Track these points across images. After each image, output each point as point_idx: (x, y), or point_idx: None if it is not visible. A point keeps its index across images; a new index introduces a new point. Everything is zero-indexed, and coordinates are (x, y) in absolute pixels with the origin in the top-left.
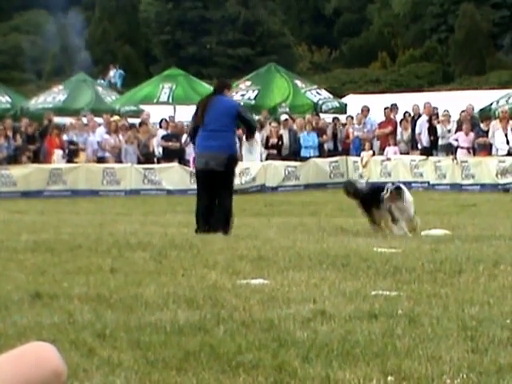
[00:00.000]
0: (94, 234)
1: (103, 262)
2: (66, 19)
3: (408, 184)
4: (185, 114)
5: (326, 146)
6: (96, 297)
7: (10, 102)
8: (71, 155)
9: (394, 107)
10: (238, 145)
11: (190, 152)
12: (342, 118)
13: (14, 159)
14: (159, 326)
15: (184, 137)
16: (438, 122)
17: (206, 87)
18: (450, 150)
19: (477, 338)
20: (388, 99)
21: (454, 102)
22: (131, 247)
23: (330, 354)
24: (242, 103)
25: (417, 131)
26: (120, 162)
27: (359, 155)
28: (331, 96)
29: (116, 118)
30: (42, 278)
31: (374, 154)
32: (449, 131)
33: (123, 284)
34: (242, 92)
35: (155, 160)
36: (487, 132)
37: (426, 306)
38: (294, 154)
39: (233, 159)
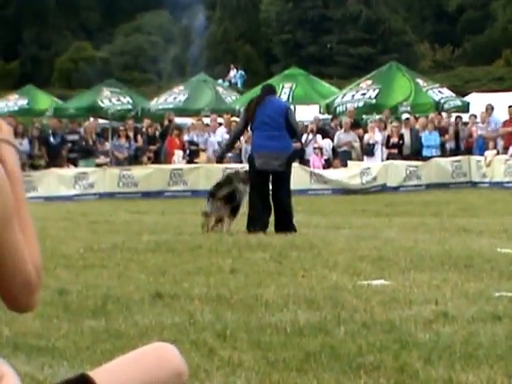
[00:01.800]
0: (214, 235)
1: (223, 262)
2: (188, 19)
3: None
4: (305, 113)
5: (448, 146)
6: (216, 297)
7: (131, 103)
8: (192, 156)
9: None
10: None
11: (311, 152)
12: (465, 116)
13: (134, 160)
14: (279, 326)
15: (305, 136)
16: None
17: (327, 87)
18: None
19: None
20: None
21: None
22: (251, 248)
23: (452, 356)
24: (362, 102)
25: None
26: (240, 162)
27: (482, 154)
28: (453, 95)
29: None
30: (162, 278)
31: (497, 153)
32: None
33: (243, 285)
34: (363, 91)
35: None
36: None
37: None
38: (416, 153)
39: (291, 159)
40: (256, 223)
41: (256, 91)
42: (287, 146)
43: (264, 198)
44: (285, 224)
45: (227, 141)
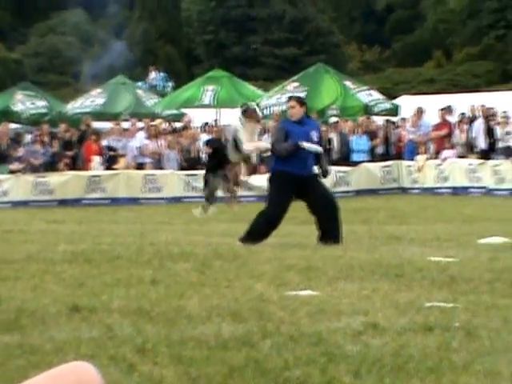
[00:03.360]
0: (134, 244)
1: (144, 273)
2: (105, 19)
3: (465, 189)
4: (229, 117)
5: (377, 150)
6: (136, 310)
7: (46, 107)
8: (110, 162)
9: (449, 109)
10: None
11: None
12: (395, 120)
13: (51, 166)
14: (202, 340)
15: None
16: (496, 124)
17: (251, 89)
18: (510, 153)
19: None
20: (443, 100)
21: None
22: (173, 258)
23: (382, 369)
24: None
25: (473, 133)
26: (161, 168)
27: (413, 159)
28: (383, 97)
29: (159, 121)
30: (80, 290)
31: (428, 158)
32: (507, 133)
33: (165, 296)
34: (289, 94)
35: (200, 166)
36: None
37: (484, 318)
38: (345, 158)
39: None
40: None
41: (177, 94)
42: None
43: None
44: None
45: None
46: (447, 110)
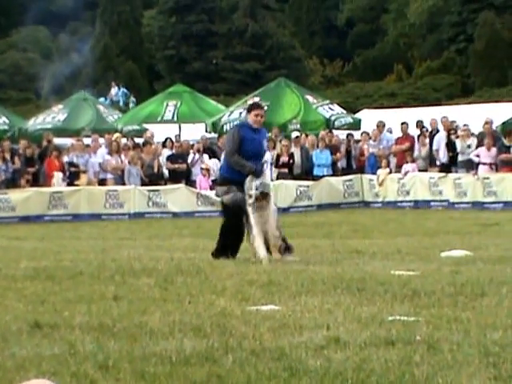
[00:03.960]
0: (96, 260)
1: (106, 289)
2: (66, 35)
3: (427, 202)
4: (190, 132)
5: (339, 164)
6: (98, 326)
7: (7, 123)
8: (72, 178)
9: (420, 123)
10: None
11: (197, 173)
12: (357, 134)
13: (12, 183)
14: (164, 356)
15: (190, 157)
16: (457, 137)
17: (213, 104)
18: (471, 166)
19: (500, 364)
20: (404, 114)
21: (473, 116)
22: (135, 273)
23: (344, 383)
24: None
25: (434, 147)
26: (123, 183)
27: (375, 173)
28: (344, 111)
29: (117, 135)
30: (41, 307)
31: (390, 172)
32: (469, 146)
33: (127, 312)
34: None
35: (162, 181)
36: (510, 147)
37: (446, 332)
38: (306, 172)
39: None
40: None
41: (139, 110)
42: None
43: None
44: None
45: None
46: (420, 123)
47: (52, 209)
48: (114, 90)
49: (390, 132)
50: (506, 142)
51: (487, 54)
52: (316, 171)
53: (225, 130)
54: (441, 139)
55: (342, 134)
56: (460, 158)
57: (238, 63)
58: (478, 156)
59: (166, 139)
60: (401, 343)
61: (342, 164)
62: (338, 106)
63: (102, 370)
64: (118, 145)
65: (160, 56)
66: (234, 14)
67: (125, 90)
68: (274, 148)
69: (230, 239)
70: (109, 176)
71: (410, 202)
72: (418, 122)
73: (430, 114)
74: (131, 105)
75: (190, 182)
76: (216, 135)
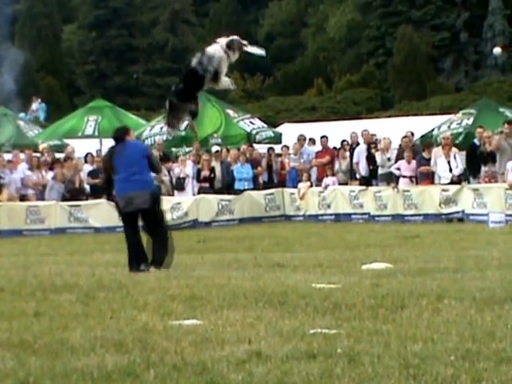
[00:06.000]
0: (17, 277)
1: (27, 305)
2: None
3: (348, 216)
4: None
5: (260, 178)
6: (19, 343)
7: None
8: None
9: (325, 137)
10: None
11: None
12: (277, 148)
13: None
14: (86, 372)
15: None
16: (377, 150)
17: (134, 119)
18: (391, 179)
19: (419, 376)
20: (325, 127)
21: (393, 129)
22: (57, 289)
23: None
24: (171, 135)
25: (355, 160)
26: (43, 199)
27: (296, 187)
28: (265, 125)
29: (44, 145)
30: None
31: (311, 186)
32: (388, 159)
33: (48, 328)
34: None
35: (84, 196)
36: (429, 160)
37: (367, 344)
38: (228, 186)
39: (155, 195)
40: (134, 264)
41: (59, 125)
42: (148, 182)
43: (138, 237)
44: (160, 258)
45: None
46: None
47: None
48: (34, 105)
49: (314, 143)
50: (425, 154)
51: (406, 68)
52: (237, 185)
53: (146, 144)
54: (361, 152)
55: (263, 148)
56: (380, 171)
57: (158, 78)
58: (398, 169)
59: (87, 154)
60: (322, 356)
61: (263, 178)
62: (259, 120)
63: None
64: (39, 160)
65: (80, 71)
66: (154, 29)
67: (44, 105)
68: (197, 162)
69: (131, 251)
70: (30, 192)
71: (331, 215)
72: (321, 137)
73: (350, 128)
74: (41, 117)
75: (112, 198)
76: None
